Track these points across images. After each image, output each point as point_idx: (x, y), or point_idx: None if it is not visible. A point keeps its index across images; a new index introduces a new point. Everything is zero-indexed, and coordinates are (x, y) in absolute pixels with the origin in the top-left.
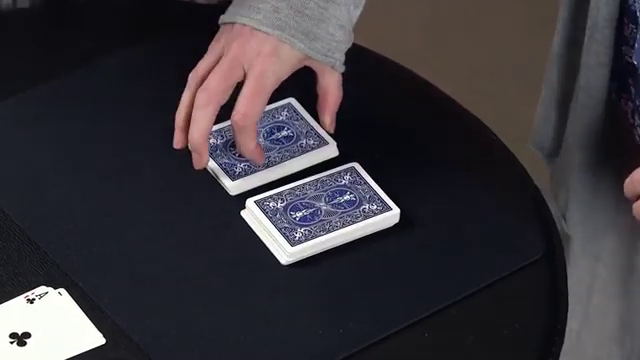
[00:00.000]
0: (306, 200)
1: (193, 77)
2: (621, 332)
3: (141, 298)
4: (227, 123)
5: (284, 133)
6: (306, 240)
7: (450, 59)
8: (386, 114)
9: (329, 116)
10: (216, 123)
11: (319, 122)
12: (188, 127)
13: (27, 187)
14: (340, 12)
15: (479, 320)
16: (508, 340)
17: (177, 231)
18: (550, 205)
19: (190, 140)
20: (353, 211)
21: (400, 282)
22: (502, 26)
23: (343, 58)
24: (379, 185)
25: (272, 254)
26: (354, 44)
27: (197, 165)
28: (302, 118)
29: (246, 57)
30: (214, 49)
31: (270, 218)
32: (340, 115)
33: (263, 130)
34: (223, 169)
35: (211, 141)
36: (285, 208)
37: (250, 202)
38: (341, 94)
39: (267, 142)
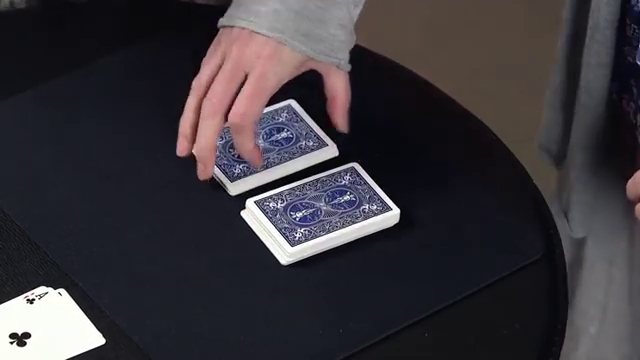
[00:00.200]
0: (306, 200)
1: (197, 85)
2: (634, 333)
3: (141, 298)
4: (227, 124)
5: (284, 135)
6: (306, 240)
7: (450, 59)
8: (386, 114)
9: (340, 117)
10: None
11: (327, 123)
12: (193, 135)
13: (27, 187)
14: (341, 12)
15: (479, 320)
16: (508, 340)
17: (177, 231)
18: (551, 206)
19: (197, 151)
20: (353, 211)
21: (400, 282)
22: (502, 26)
23: (347, 57)
24: (379, 185)
25: (272, 254)
26: (355, 44)
27: (202, 176)
28: (302, 120)
29: (247, 60)
30: (215, 54)
31: (270, 218)
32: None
33: (263, 132)
34: (222, 170)
35: None
36: (285, 208)
37: (250, 202)
38: (349, 93)
39: (266, 143)
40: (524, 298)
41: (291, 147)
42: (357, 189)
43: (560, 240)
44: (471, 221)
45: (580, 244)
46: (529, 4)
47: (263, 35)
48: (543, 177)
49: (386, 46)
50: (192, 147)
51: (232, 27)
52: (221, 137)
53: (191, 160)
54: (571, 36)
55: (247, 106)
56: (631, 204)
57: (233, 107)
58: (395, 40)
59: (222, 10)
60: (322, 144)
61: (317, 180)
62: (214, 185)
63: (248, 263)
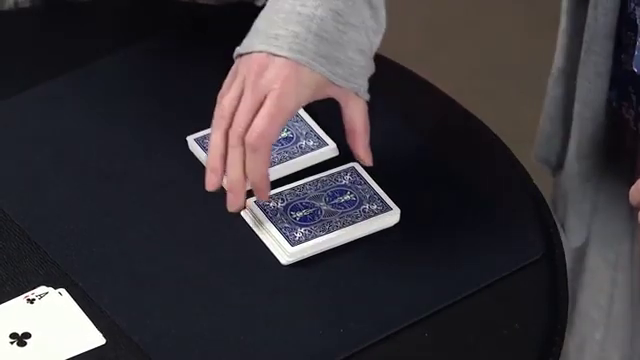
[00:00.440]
0: (306, 200)
1: (219, 117)
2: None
3: (141, 298)
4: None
5: (284, 134)
6: (306, 240)
7: (450, 59)
8: (386, 114)
9: (362, 150)
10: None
11: (327, 123)
12: (222, 168)
13: (27, 187)
14: (359, 36)
15: (479, 320)
16: (508, 340)
17: (177, 231)
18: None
19: (228, 183)
20: (353, 211)
21: (400, 282)
22: (502, 26)
23: (366, 85)
24: (379, 185)
25: (272, 254)
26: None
27: (233, 208)
28: (302, 119)
29: (266, 83)
30: (234, 82)
31: (270, 218)
32: (340, 115)
33: None
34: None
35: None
36: (285, 208)
37: (250, 202)
38: (368, 124)
39: None
40: (524, 298)
41: (291, 147)
42: (357, 189)
43: (560, 240)
44: (471, 221)
45: (582, 249)
46: (529, 4)
47: (282, 57)
48: (543, 177)
49: (386, 46)
50: (222, 180)
51: (250, 54)
52: None
53: (191, 160)
54: (569, 48)
55: (265, 126)
56: (634, 209)
57: (251, 127)
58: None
59: (222, 10)
60: (322, 144)
61: (317, 180)
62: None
63: (248, 263)
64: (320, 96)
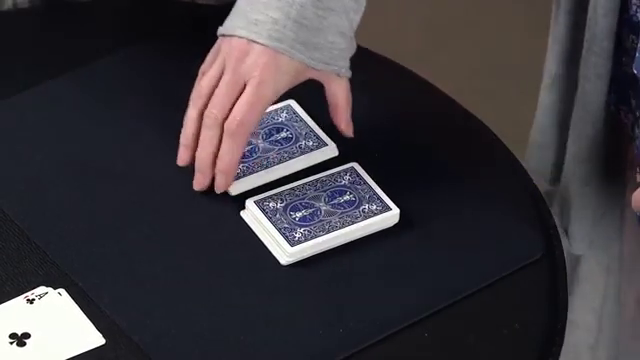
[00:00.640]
0: (306, 200)
1: (197, 96)
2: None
3: (141, 298)
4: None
5: (283, 134)
6: (306, 240)
7: (450, 59)
8: (386, 114)
9: (344, 123)
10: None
11: (327, 123)
12: (194, 145)
13: (27, 187)
14: (340, 19)
15: (479, 320)
16: (508, 340)
17: (177, 231)
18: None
19: (197, 162)
20: (353, 211)
21: (400, 282)
22: (502, 26)
23: (348, 64)
24: (379, 185)
25: (272, 254)
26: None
27: (198, 186)
28: (301, 120)
29: (246, 69)
30: (214, 63)
31: (270, 218)
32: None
33: (262, 131)
34: None
35: None
36: (285, 208)
37: (250, 202)
38: (350, 99)
39: (266, 143)
40: (524, 298)
41: (291, 147)
42: (357, 189)
43: (560, 240)
44: (471, 221)
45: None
46: (529, 4)
47: (261, 44)
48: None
49: (386, 46)
50: (193, 156)
51: (231, 36)
52: None
53: (192, 161)
54: (565, 53)
55: (245, 113)
56: (633, 211)
57: (231, 114)
58: (395, 40)
59: (222, 10)
60: (322, 144)
61: (317, 180)
62: (214, 185)
63: (248, 263)
64: (301, 80)
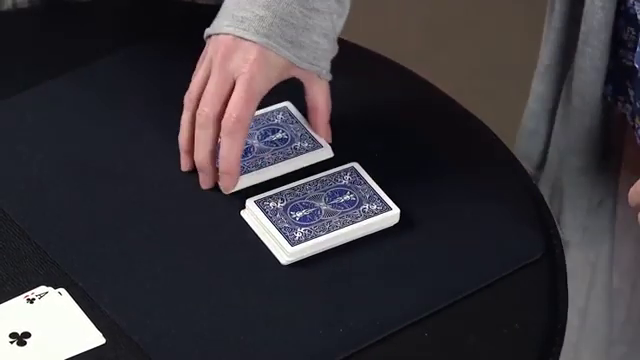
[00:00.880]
0: (306, 200)
1: (188, 99)
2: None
3: (141, 298)
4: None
5: (278, 135)
6: (306, 240)
7: (450, 59)
8: (386, 114)
9: (322, 128)
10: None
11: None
12: (193, 148)
13: (27, 187)
14: (324, 21)
15: (479, 320)
16: (508, 340)
17: (177, 231)
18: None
19: (197, 162)
20: (353, 211)
21: (400, 282)
22: (502, 26)
23: (329, 66)
24: (379, 185)
25: (272, 254)
26: (355, 44)
27: (204, 185)
28: (297, 121)
29: (234, 66)
30: (203, 65)
31: (270, 218)
32: (340, 115)
33: (258, 132)
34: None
35: None
36: (285, 208)
37: (250, 202)
38: (329, 103)
39: (261, 144)
40: (524, 298)
41: (286, 148)
42: (357, 189)
43: (560, 240)
44: (471, 221)
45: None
46: (529, 4)
47: (248, 40)
48: None
49: (386, 46)
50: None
51: (217, 35)
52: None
53: (192, 162)
54: (560, 45)
55: (240, 110)
56: (632, 211)
57: (226, 112)
58: (395, 40)
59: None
60: (317, 145)
61: (317, 180)
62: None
63: (248, 263)
64: (284, 78)
